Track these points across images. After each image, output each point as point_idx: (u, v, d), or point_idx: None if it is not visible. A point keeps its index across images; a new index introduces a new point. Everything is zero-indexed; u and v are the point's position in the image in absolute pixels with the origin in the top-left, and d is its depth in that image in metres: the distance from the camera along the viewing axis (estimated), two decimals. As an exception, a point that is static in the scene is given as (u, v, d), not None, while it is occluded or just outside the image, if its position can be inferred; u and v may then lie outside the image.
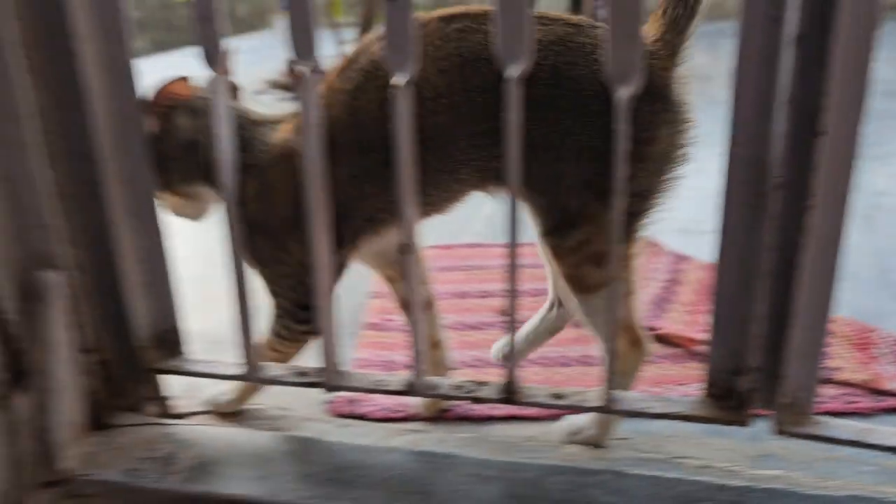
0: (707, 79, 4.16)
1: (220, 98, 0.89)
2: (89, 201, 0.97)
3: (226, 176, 0.91)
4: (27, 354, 0.93)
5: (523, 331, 1.14)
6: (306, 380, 0.99)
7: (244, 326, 0.99)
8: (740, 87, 0.77)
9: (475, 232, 1.93)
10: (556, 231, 0.93)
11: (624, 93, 0.77)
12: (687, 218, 1.93)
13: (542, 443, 1.05)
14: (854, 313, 1.37)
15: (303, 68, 0.86)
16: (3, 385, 0.93)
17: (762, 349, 0.83)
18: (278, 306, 1.07)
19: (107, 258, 0.99)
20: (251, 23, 7.26)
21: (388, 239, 1.02)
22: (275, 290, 1.07)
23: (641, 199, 0.91)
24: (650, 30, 0.90)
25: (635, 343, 0.98)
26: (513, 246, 0.86)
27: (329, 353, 0.97)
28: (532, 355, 1.28)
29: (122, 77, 0.93)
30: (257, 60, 5.06)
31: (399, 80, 0.82)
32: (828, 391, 1.13)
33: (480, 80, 0.89)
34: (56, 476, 0.96)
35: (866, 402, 1.09)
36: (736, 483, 0.87)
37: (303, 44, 0.85)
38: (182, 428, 1.04)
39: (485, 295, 1.53)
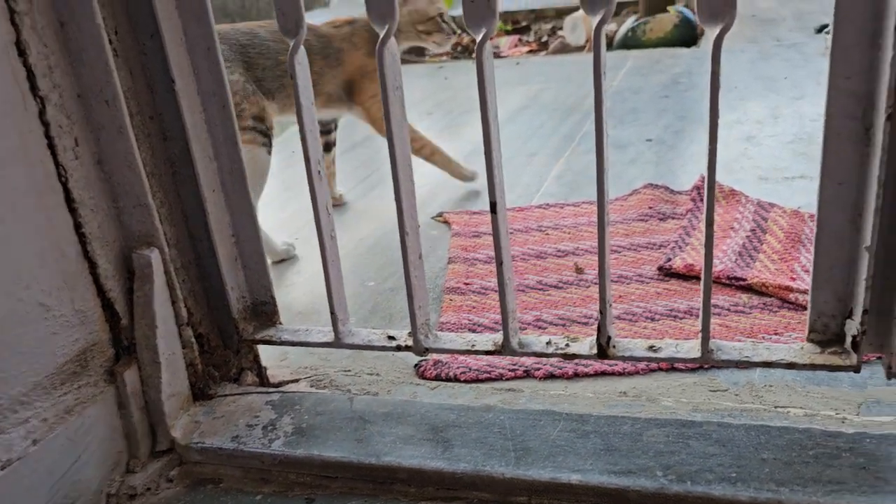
0: (772, 21, 4.01)
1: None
2: (180, 180, 0.99)
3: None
4: (131, 330, 0.97)
5: None
6: (397, 344, 1.00)
7: (335, 293, 1.00)
8: (843, 17, 0.73)
9: (546, 193, 1.91)
10: None
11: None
12: (767, 166, 1.88)
13: (637, 397, 1.03)
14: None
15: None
16: (111, 360, 0.97)
17: (872, 290, 0.80)
18: None
19: (199, 234, 1.01)
20: (246, 16, 6.99)
21: None
22: None
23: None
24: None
25: None
26: (602, 202, 0.85)
27: (417, 316, 0.97)
28: (616, 311, 1.27)
29: (206, 57, 0.94)
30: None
31: (479, 35, 0.81)
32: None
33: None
34: (165, 445, 1.00)
35: (978, 343, 1.04)
36: (847, 430, 0.84)
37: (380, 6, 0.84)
38: (280, 395, 1.06)
39: (563, 254, 1.52)
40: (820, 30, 3.43)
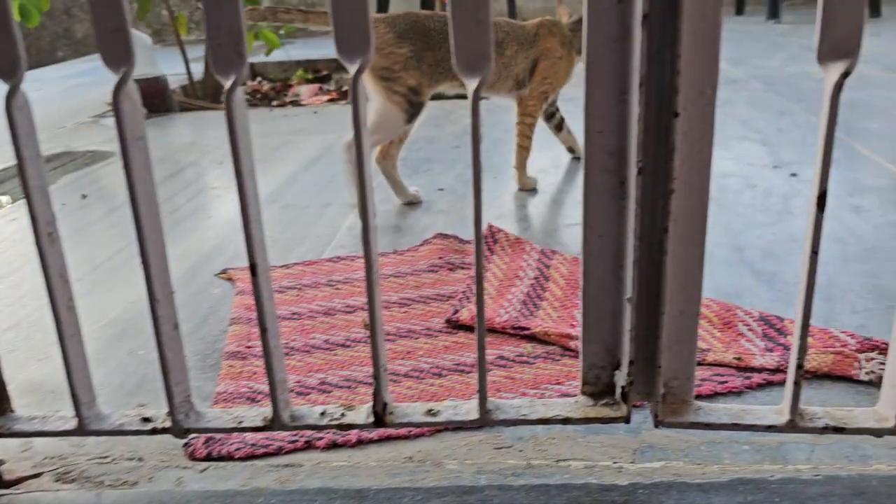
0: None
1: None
2: None
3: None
4: None
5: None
6: (152, 426, 0.88)
7: (77, 373, 0.86)
8: (593, 72, 0.74)
9: (339, 245, 1.85)
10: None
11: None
12: (550, 213, 1.94)
13: (422, 462, 0.98)
14: (714, 293, 1.41)
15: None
16: None
17: (636, 341, 0.81)
18: None
19: None
20: (89, 44, 6.83)
21: None
22: None
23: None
24: None
25: None
26: (369, 256, 0.80)
27: (175, 394, 0.86)
28: (404, 369, 1.22)
29: None
30: (97, 82, 4.74)
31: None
32: (700, 373, 1.13)
33: None
34: None
35: (736, 380, 1.11)
36: (622, 482, 0.84)
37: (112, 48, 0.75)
38: (10, 497, 0.89)
39: (352, 309, 1.46)
40: (596, 86, 3.71)
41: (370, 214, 0.79)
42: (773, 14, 5.49)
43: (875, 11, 5.32)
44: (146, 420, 0.89)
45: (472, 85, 0.73)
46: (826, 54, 0.67)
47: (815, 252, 0.74)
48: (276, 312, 0.85)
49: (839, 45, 0.67)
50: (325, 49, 5.80)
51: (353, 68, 0.74)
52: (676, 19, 0.69)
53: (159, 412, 0.90)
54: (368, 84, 1.92)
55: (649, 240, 0.78)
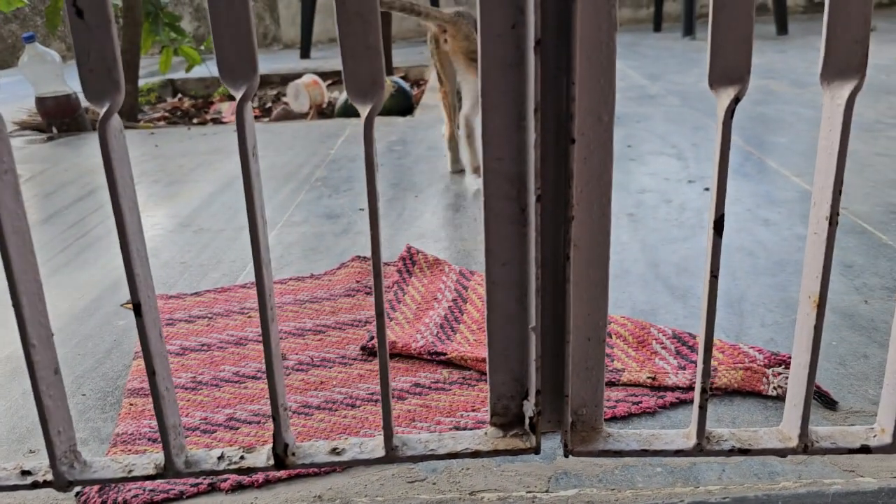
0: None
1: None
2: None
3: None
4: None
5: None
6: (33, 480, 0.82)
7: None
8: (490, 98, 0.72)
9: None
10: None
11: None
12: (470, 232, 1.93)
13: (332, 500, 0.94)
14: (630, 310, 1.41)
15: None
16: None
17: (543, 370, 0.79)
18: None
19: None
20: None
21: None
22: None
23: None
24: None
25: None
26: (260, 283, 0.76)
27: (56, 444, 0.80)
28: (316, 401, 1.18)
29: None
30: (4, 101, 4.54)
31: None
32: (615, 394, 1.13)
33: None
34: None
35: (650, 400, 1.10)
36: (533, 515, 0.82)
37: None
38: None
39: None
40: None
41: (262, 248, 0.75)
42: (689, 31, 5.67)
43: (782, 29, 5.55)
44: (26, 473, 0.82)
45: (364, 111, 0.70)
46: (717, 80, 0.67)
47: (714, 276, 0.74)
48: (167, 352, 0.80)
49: (729, 72, 0.67)
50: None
51: (239, 94, 0.70)
52: (570, 45, 0.68)
53: (41, 464, 0.83)
54: (461, 68, 2.17)
55: (552, 267, 0.76)
